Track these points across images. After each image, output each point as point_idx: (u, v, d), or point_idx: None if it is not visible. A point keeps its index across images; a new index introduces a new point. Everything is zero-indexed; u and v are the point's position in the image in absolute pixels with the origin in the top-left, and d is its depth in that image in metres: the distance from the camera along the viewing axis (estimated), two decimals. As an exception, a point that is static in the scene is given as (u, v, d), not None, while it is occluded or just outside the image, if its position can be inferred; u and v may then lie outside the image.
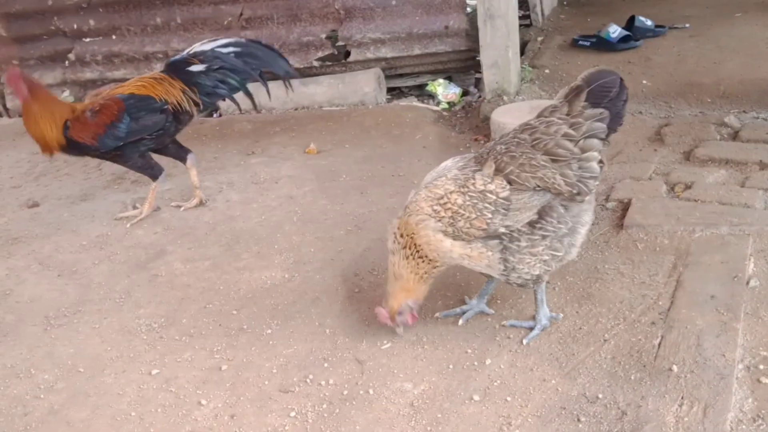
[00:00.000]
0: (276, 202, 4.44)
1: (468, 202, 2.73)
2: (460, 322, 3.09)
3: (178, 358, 3.10)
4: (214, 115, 6.00)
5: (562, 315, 3.05)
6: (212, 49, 4.19)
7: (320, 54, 5.96)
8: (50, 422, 2.81)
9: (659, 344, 2.81)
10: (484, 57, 5.43)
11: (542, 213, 2.75)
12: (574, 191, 2.75)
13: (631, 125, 4.76)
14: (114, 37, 6.22)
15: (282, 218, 4.23)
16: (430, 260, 2.86)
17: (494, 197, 2.72)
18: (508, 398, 2.65)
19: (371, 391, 2.77)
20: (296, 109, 5.98)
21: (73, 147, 4.09)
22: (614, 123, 2.76)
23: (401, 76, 6.19)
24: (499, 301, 3.20)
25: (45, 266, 3.97)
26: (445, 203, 2.76)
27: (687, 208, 3.66)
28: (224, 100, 4.33)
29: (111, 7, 6.12)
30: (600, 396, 2.61)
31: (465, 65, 6.07)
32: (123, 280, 3.76)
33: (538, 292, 2.96)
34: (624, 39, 6.06)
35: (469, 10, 5.90)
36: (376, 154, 4.98)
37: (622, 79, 2.78)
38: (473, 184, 2.75)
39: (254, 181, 4.74)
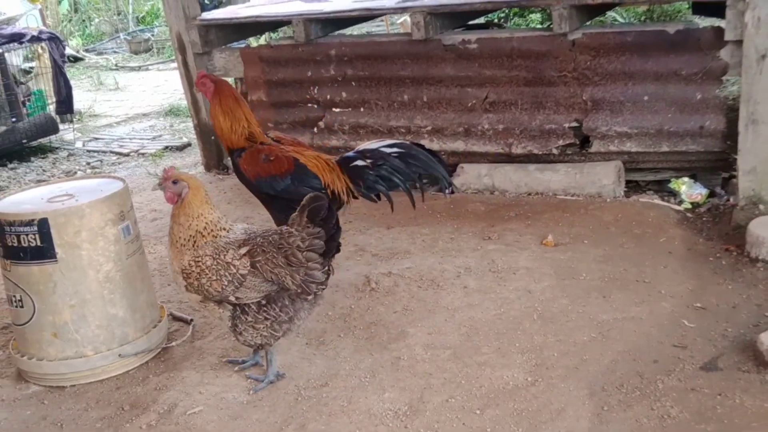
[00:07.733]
0: (514, 294, 4.42)
1: (213, 266, 3.47)
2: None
3: (423, 453, 3.14)
4: (446, 193, 6.08)
5: (286, 374, 3.73)
6: (378, 149, 4.50)
7: (561, 143, 5.92)
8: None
9: None
10: (742, 162, 5.13)
11: (270, 300, 3.52)
12: (299, 291, 3.51)
13: None
14: (362, 109, 6.56)
15: (521, 314, 4.20)
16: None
17: (234, 271, 3.47)
18: None
19: None
20: (530, 194, 5.97)
21: (237, 168, 4.57)
22: (331, 243, 3.50)
23: (641, 170, 6.01)
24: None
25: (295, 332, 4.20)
26: (198, 261, 3.49)
27: None
28: (379, 198, 4.58)
29: (363, 82, 6.48)
30: None
31: (713, 165, 5.77)
32: (367, 358, 3.89)
33: (268, 353, 3.72)
34: None
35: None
36: (617, 254, 4.82)
37: (330, 205, 3.48)
38: (225, 255, 3.49)
39: (491, 269, 4.75)
